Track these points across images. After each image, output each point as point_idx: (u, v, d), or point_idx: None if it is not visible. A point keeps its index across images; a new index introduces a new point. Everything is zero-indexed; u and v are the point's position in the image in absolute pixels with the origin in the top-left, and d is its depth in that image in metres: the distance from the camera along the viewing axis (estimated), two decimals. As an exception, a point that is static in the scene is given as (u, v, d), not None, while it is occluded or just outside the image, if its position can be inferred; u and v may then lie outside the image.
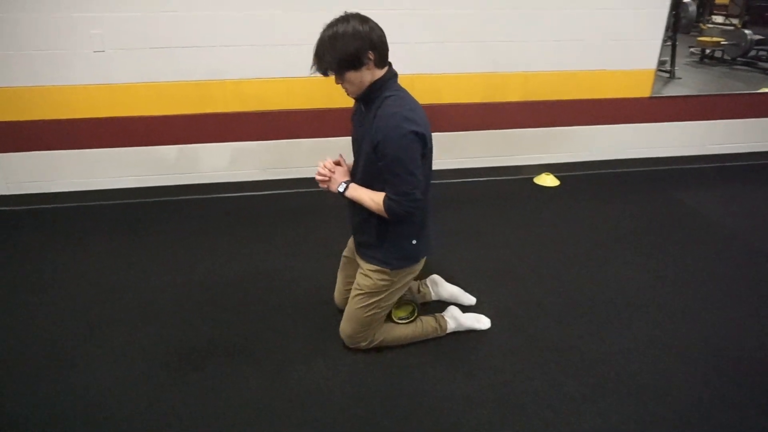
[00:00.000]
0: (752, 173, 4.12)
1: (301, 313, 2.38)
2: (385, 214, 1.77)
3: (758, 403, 1.92)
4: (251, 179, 3.64)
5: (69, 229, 3.14)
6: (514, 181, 3.90)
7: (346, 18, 1.64)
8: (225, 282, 2.62)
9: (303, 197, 3.59)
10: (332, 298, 2.36)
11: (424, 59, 3.41)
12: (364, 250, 1.99)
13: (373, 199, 1.79)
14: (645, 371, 2.06)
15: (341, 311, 2.27)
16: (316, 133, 3.55)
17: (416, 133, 1.64)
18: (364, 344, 2.08)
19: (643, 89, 3.85)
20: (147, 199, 3.50)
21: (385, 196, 1.74)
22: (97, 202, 3.45)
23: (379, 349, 2.12)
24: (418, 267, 2.04)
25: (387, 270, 1.94)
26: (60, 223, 3.22)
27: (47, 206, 3.40)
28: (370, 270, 1.96)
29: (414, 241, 1.92)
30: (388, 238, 1.90)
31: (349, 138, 3.66)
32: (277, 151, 3.58)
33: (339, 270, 2.30)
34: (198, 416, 1.84)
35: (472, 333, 2.26)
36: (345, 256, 2.26)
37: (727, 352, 2.18)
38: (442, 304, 2.41)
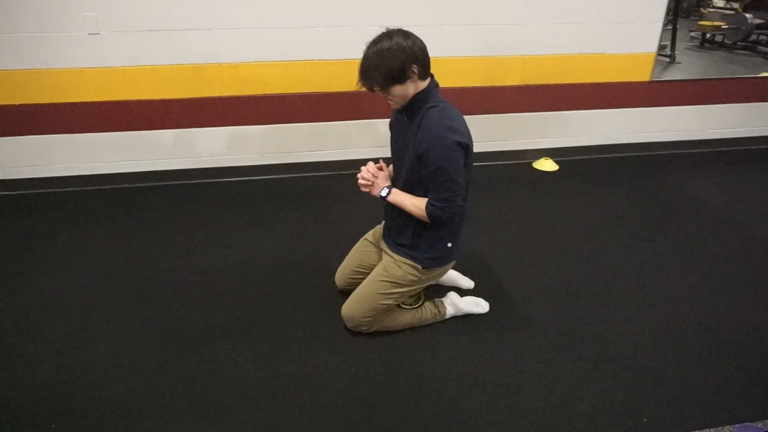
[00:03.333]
0: (752, 158, 4.11)
1: (299, 297, 2.39)
2: (426, 219, 1.84)
3: (753, 385, 1.94)
4: (249, 164, 3.62)
5: (66, 213, 3.13)
6: (513, 166, 3.89)
7: (389, 34, 1.69)
8: (223, 266, 2.62)
9: (301, 182, 3.58)
10: (332, 282, 2.37)
11: (422, 42, 3.38)
12: (399, 248, 2.04)
13: (414, 204, 1.85)
14: (641, 353, 2.08)
15: (341, 293, 2.29)
16: (314, 117, 3.53)
17: (460, 143, 1.72)
18: (364, 328, 2.09)
19: (642, 73, 3.83)
20: (144, 184, 3.49)
21: (428, 202, 1.81)
22: (94, 187, 3.44)
23: (378, 332, 2.13)
24: (449, 267, 2.12)
25: (419, 267, 1.99)
26: (57, 207, 3.20)
27: (44, 191, 3.39)
28: (402, 262, 2.00)
29: (449, 244, 1.99)
30: (425, 241, 1.97)
31: (347, 122, 3.67)
32: (275, 136, 3.56)
33: (352, 252, 2.30)
34: (197, 398, 1.86)
35: (470, 316, 2.27)
36: (366, 240, 2.27)
37: (722, 335, 2.19)
38: (440, 289, 2.41)
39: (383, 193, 1.92)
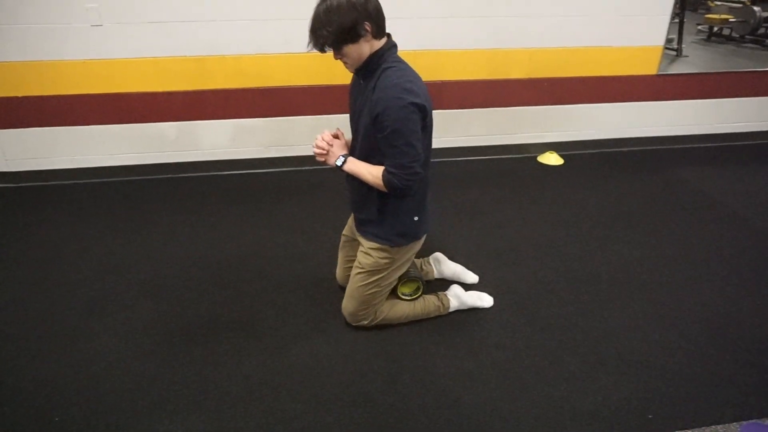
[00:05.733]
0: (759, 153, 4.07)
1: (302, 290, 2.38)
2: (383, 188, 1.74)
3: (760, 382, 1.92)
4: (251, 156, 3.61)
5: (68, 206, 3.12)
6: (518, 160, 3.86)
7: None
8: (226, 259, 2.61)
9: (304, 175, 3.56)
10: (333, 275, 2.36)
11: (426, 35, 3.35)
12: (364, 227, 1.97)
13: (371, 172, 1.75)
14: (646, 348, 2.06)
15: (343, 288, 2.27)
16: (316, 110, 3.51)
17: (416, 105, 1.60)
18: (366, 322, 2.08)
19: (649, 67, 3.80)
20: (146, 177, 3.48)
21: (384, 170, 1.71)
22: (97, 179, 3.43)
23: (381, 326, 2.12)
24: (419, 244, 2.03)
25: (387, 247, 1.92)
26: (59, 200, 3.20)
27: (47, 183, 3.38)
28: (371, 248, 1.95)
29: (416, 218, 1.90)
30: (389, 215, 1.87)
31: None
32: (277, 129, 3.54)
33: (339, 249, 2.28)
34: (199, 391, 1.85)
35: (474, 310, 2.26)
36: (344, 235, 2.24)
37: (729, 331, 2.17)
38: (444, 283, 2.40)
39: (338, 162, 1.81)
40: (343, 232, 2.25)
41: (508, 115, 3.79)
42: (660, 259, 2.66)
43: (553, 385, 1.89)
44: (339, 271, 2.31)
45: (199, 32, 3.12)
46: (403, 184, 1.69)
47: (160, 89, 3.27)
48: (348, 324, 2.13)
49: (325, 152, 1.83)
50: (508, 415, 1.77)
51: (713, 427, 1.74)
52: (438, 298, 2.22)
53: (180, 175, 3.51)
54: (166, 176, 3.50)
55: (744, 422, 1.76)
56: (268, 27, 3.17)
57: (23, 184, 3.37)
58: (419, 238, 1.99)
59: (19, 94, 3.15)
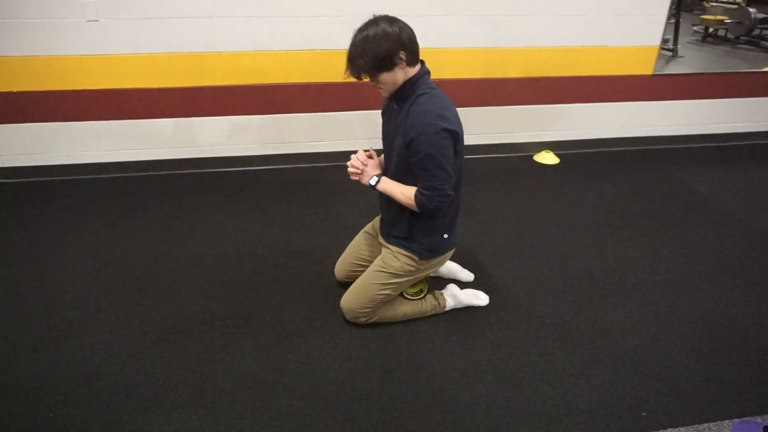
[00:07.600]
0: (753, 153, 4.10)
1: (298, 287, 2.38)
2: (415, 208, 1.82)
3: (753, 380, 1.94)
4: (249, 153, 3.60)
5: (65, 202, 3.11)
6: (514, 159, 3.87)
7: (375, 21, 1.67)
8: (222, 255, 2.61)
9: (301, 172, 3.56)
10: (330, 273, 2.36)
11: (423, 33, 3.32)
12: (394, 239, 2.02)
13: (403, 193, 1.83)
14: (641, 347, 2.08)
15: (341, 285, 2.28)
16: (314, 107, 3.50)
17: (448, 131, 1.69)
18: (363, 319, 2.08)
19: (645, 67, 3.81)
20: (143, 173, 3.47)
21: (417, 191, 1.79)
22: (93, 176, 3.42)
23: (377, 324, 2.12)
24: (447, 257, 2.10)
25: (416, 258, 1.98)
26: (55, 196, 3.19)
27: (43, 179, 3.37)
28: (399, 252, 1.99)
29: (445, 235, 1.98)
30: (421, 233, 1.95)
31: (348, 113, 3.65)
32: (275, 126, 3.53)
33: (351, 244, 2.29)
34: (195, 388, 1.85)
35: (469, 308, 2.27)
36: (366, 233, 2.26)
37: (721, 329, 2.19)
38: (440, 281, 2.41)
39: (372, 182, 1.90)
40: (365, 228, 2.27)
41: (504, 113, 3.80)
42: (655, 258, 2.67)
43: (548, 382, 1.90)
44: (341, 267, 2.30)
45: (197, 29, 3.11)
46: (435, 205, 1.78)
47: (156, 85, 3.26)
48: (344, 321, 2.14)
49: (359, 172, 1.91)
50: (503, 412, 1.78)
51: (706, 424, 1.76)
52: (434, 297, 2.22)
53: (176, 172, 3.51)
54: (162, 173, 3.49)
55: (737, 420, 1.77)
56: (266, 24, 3.16)
57: (18, 180, 3.36)
58: (447, 252, 2.07)
59: (15, 89, 3.13)
